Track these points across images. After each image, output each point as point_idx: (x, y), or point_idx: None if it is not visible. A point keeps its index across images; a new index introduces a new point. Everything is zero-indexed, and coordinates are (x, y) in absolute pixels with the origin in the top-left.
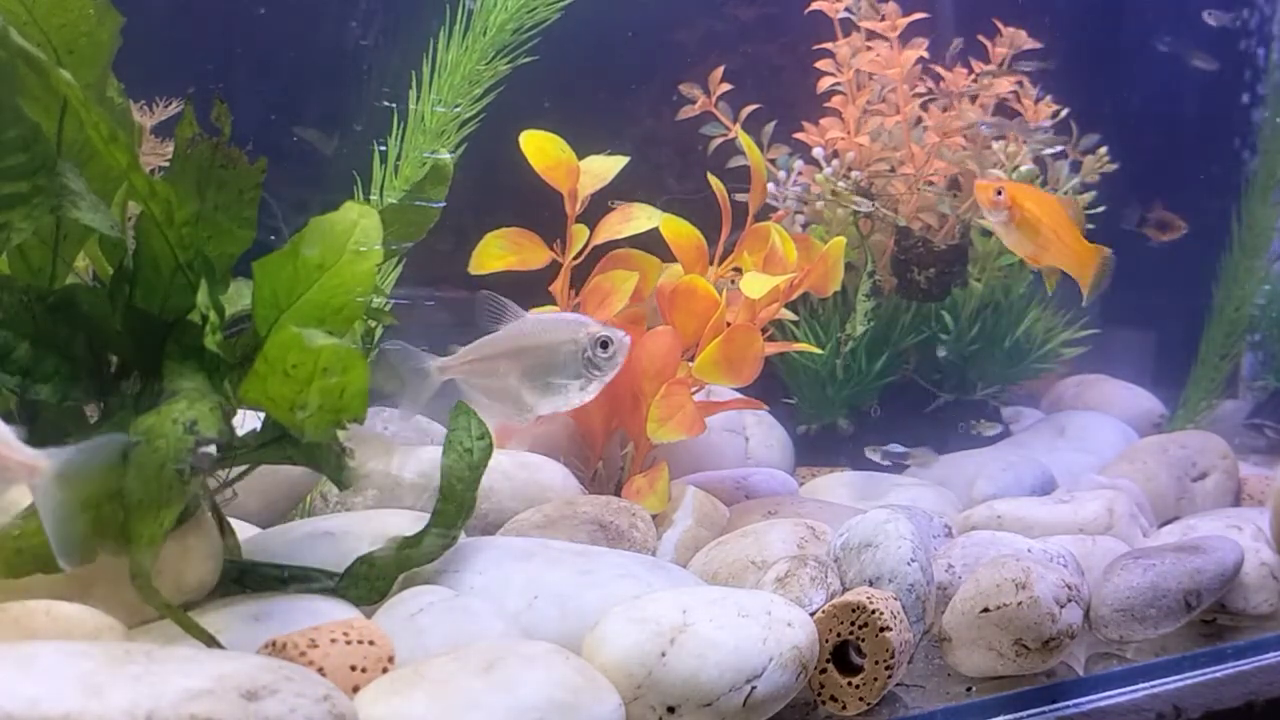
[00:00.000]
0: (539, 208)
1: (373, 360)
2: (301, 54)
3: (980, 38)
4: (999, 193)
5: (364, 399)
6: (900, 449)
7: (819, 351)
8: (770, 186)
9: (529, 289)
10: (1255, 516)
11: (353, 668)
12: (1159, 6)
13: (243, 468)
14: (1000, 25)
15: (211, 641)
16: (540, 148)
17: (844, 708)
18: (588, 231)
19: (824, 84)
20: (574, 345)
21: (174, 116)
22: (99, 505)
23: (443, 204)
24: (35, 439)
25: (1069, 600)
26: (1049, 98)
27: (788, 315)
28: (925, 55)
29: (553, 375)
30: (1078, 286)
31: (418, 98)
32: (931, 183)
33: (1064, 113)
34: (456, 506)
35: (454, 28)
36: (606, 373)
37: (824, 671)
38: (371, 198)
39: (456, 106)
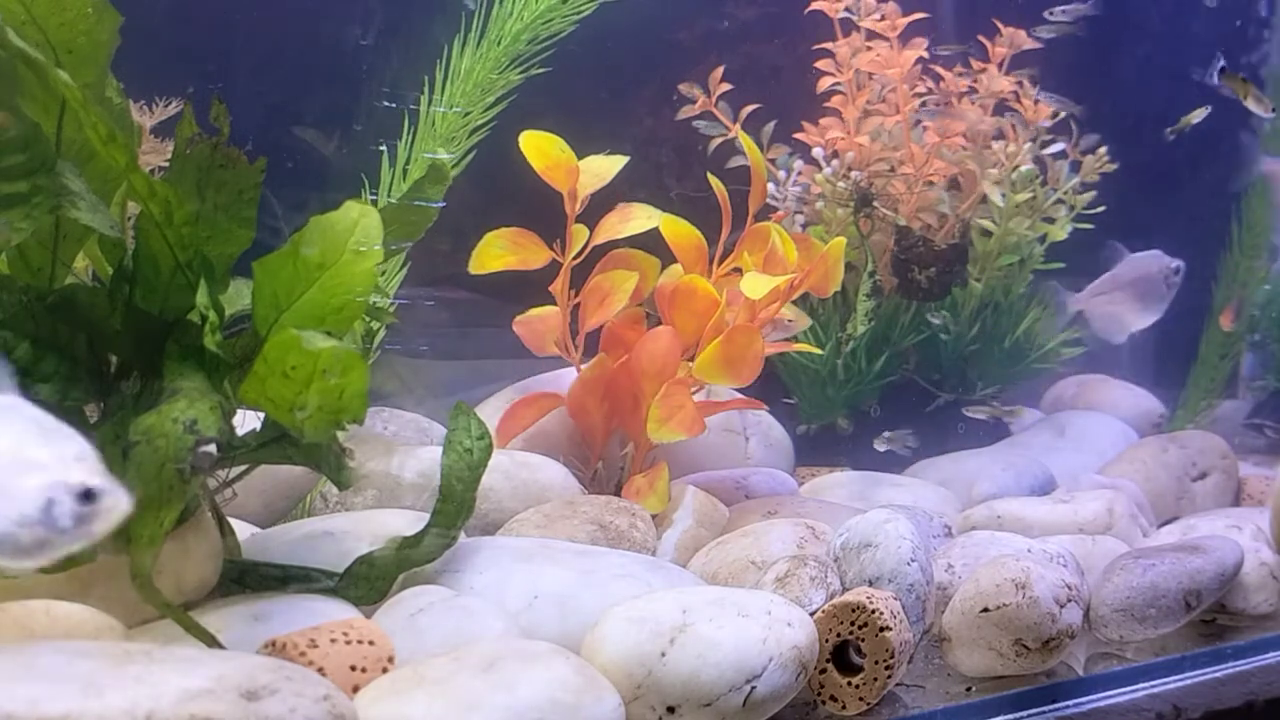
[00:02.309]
0: (539, 208)
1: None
2: (305, 54)
3: (980, 38)
4: None
5: (363, 400)
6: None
7: (819, 352)
8: (770, 186)
9: (529, 289)
10: (1255, 516)
11: (352, 668)
12: (1160, 5)
13: (243, 468)
14: (1000, 25)
15: (212, 641)
16: (539, 148)
17: (844, 708)
18: (587, 231)
19: (824, 84)
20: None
21: (174, 116)
22: None
23: (443, 204)
24: None
25: (1069, 600)
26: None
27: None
28: (925, 55)
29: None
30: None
31: (429, 102)
32: (932, 182)
33: (1063, 113)
34: (456, 506)
35: (467, 35)
36: None
37: (824, 671)
38: (374, 198)
39: (467, 113)
